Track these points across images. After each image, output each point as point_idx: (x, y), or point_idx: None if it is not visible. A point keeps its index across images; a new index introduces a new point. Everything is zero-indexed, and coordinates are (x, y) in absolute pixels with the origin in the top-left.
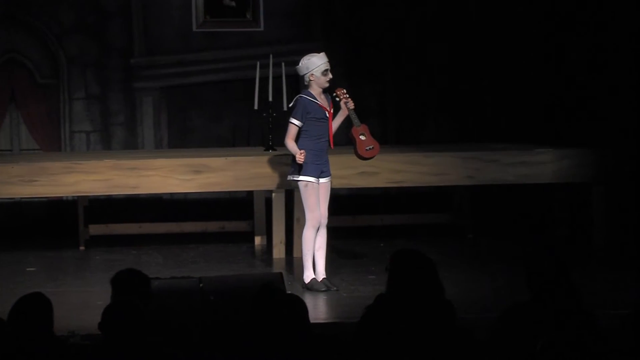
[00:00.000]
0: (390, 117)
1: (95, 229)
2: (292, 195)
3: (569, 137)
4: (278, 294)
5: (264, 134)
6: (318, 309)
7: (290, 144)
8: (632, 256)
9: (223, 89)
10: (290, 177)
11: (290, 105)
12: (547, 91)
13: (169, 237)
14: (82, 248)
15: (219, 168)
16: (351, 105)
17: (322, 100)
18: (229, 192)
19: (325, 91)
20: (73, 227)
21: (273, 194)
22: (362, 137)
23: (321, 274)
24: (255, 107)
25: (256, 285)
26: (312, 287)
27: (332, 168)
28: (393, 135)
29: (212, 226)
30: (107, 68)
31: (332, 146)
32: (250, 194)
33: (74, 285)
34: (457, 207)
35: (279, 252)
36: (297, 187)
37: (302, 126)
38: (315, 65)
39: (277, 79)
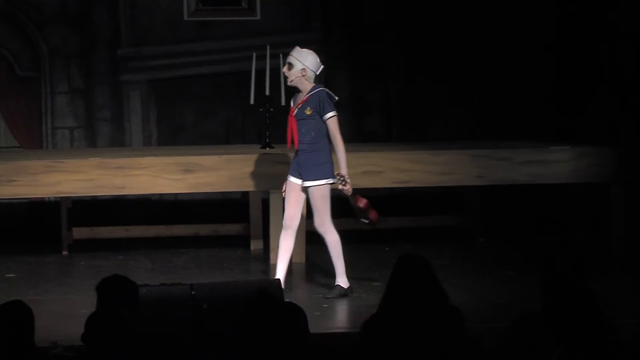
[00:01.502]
0: (394, 113)
1: (79, 233)
2: None
3: (586, 134)
4: (275, 302)
5: (260, 130)
6: (318, 318)
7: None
8: None
9: (216, 82)
10: (317, 182)
11: (311, 105)
12: (562, 85)
13: (158, 241)
14: (64, 253)
15: (212, 167)
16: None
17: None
18: (223, 193)
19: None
20: (55, 231)
21: (270, 195)
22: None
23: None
24: (251, 101)
25: (252, 293)
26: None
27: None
28: (397, 132)
29: (205, 229)
30: (91, 60)
31: (295, 146)
32: (245, 194)
33: (56, 292)
34: (467, 208)
35: (276, 257)
36: (320, 191)
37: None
38: (314, 61)
39: (274, 71)
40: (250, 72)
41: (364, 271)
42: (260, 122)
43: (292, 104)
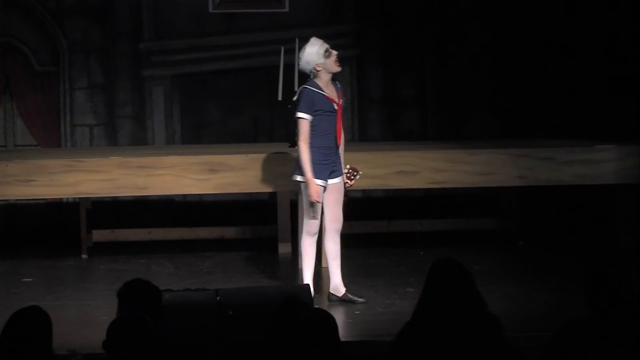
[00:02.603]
0: (431, 110)
1: (99, 235)
2: None
3: (634, 131)
4: (305, 308)
5: (288, 128)
6: (350, 326)
7: (305, 153)
8: None
9: (243, 77)
10: (294, 177)
11: (294, 98)
12: (608, 79)
13: (181, 244)
14: (84, 256)
15: (238, 166)
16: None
17: (329, 92)
18: (250, 194)
19: (334, 80)
20: (74, 233)
21: (299, 196)
22: None
23: (341, 288)
24: (279, 97)
25: (280, 299)
26: None
27: (365, 167)
28: (434, 129)
29: (231, 232)
30: (112, 54)
31: (339, 143)
32: (273, 195)
33: (75, 298)
34: (506, 211)
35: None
36: (300, 189)
37: (312, 119)
38: (313, 54)
39: None
40: (278, 66)
41: (397, 276)
42: (288, 120)
43: (322, 99)
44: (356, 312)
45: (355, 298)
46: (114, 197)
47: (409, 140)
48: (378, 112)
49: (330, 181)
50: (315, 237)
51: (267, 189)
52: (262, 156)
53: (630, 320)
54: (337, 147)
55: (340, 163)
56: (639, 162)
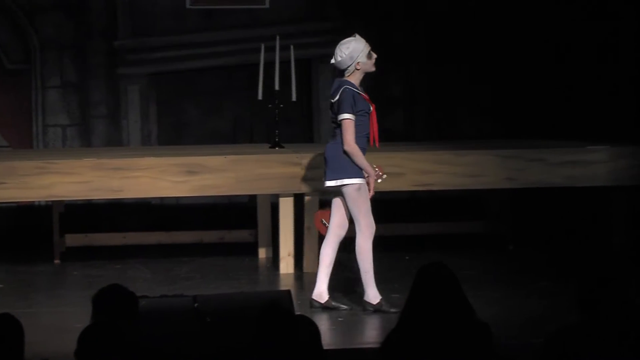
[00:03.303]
0: (418, 109)
1: (73, 240)
2: (302, 200)
3: (626, 132)
4: (286, 315)
5: (269, 128)
6: (333, 333)
7: (359, 151)
8: None
9: (222, 76)
10: (333, 183)
11: (336, 99)
12: (599, 79)
13: (158, 249)
14: (57, 262)
15: (217, 168)
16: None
17: (363, 92)
18: (229, 197)
19: (361, 83)
20: (47, 237)
21: (280, 199)
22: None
23: (325, 295)
24: (260, 97)
25: (260, 305)
26: (382, 307)
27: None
28: (421, 129)
29: (209, 236)
30: (86, 51)
31: (377, 144)
32: (253, 198)
33: (48, 305)
34: (496, 213)
35: (286, 266)
36: (343, 194)
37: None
38: (358, 51)
39: (284, 64)
40: (258, 65)
41: (382, 282)
42: (269, 120)
43: (361, 99)
44: (339, 319)
45: (339, 305)
46: (88, 200)
47: (394, 140)
48: None
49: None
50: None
51: (247, 191)
52: (242, 157)
53: (624, 325)
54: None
55: None
56: (633, 164)
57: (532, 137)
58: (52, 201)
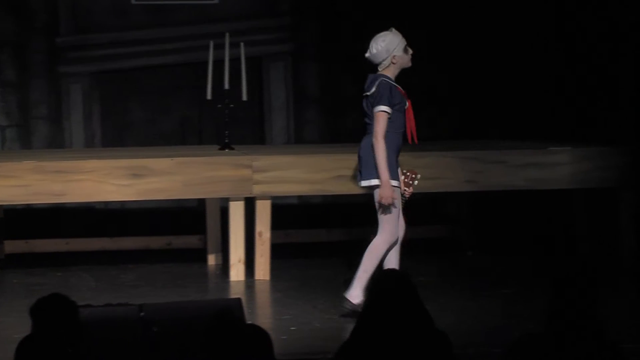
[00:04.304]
0: None
1: (12, 246)
2: (252, 205)
3: (590, 133)
4: (236, 324)
5: (219, 129)
6: (285, 343)
7: (384, 151)
8: None
9: (169, 74)
10: (365, 183)
11: (372, 91)
12: (562, 78)
13: (102, 256)
14: None
15: (164, 171)
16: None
17: (399, 85)
18: (177, 201)
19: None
20: None
21: (230, 203)
22: None
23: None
24: (209, 96)
25: (210, 314)
26: (359, 310)
27: (302, 171)
28: None
29: (156, 242)
30: (26, 49)
31: (415, 140)
32: (202, 202)
33: None
34: (455, 218)
35: (237, 273)
36: (373, 194)
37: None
38: (395, 44)
39: (234, 62)
40: (207, 63)
41: (337, 289)
42: (218, 120)
43: (398, 93)
44: (292, 329)
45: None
46: (28, 205)
47: (349, 142)
48: (316, 112)
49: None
50: (392, 247)
51: (195, 195)
52: (190, 160)
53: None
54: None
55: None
56: (597, 165)
57: (493, 137)
58: None
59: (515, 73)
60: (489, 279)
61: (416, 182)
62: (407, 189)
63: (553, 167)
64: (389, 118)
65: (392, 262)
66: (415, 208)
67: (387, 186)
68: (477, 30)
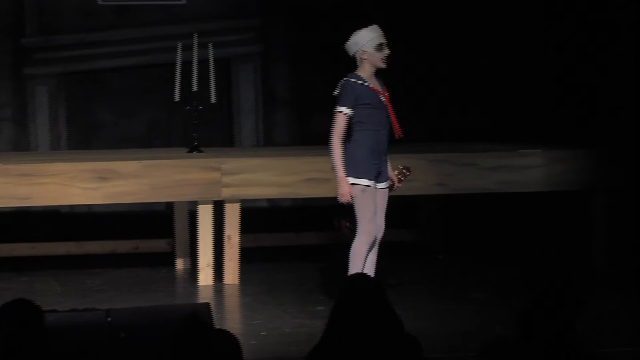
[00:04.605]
0: None
1: None
2: (221, 208)
3: (562, 135)
4: (205, 329)
5: (187, 131)
6: (254, 348)
7: (338, 149)
8: None
9: (136, 76)
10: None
11: (336, 92)
12: (534, 80)
13: (68, 260)
14: None
15: (131, 174)
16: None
17: (373, 83)
18: (144, 204)
19: (377, 74)
20: None
21: (198, 206)
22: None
23: None
24: (176, 98)
25: (178, 319)
26: None
27: (272, 174)
28: None
29: (123, 246)
30: None
31: (400, 134)
32: (170, 206)
33: None
34: (425, 221)
35: (205, 277)
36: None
37: (353, 116)
38: (365, 40)
39: (203, 63)
40: (175, 64)
41: (306, 293)
42: (187, 122)
43: (366, 90)
44: (262, 333)
45: None
46: None
47: (319, 144)
48: (285, 114)
49: (378, 185)
50: (371, 247)
51: (163, 198)
52: (157, 163)
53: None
54: (384, 149)
55: (386, 167)
56: (569, 168)
57: (464, 139)
58: None
59: (486, 74)
60: (460, 283)
61: (408, 178)
62: (397, 184)
63: (525, 170)
64: (352, 118)
65: (368, 265)
66: (386, 211)
67: (341, 183)
68: (449, 31)
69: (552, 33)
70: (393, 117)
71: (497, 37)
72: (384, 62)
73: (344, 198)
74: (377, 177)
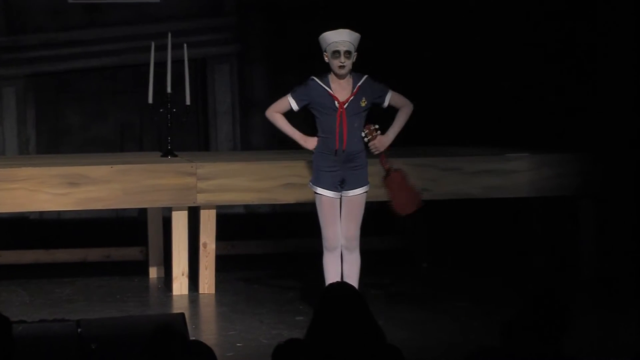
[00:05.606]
0: None
1: None
2: (196, 214)
3: (548, 139)
4: (179, 340)
5: (161, 135)
6: (230, 359)
7: (276, 116)
8: (628, 289)
9: (108, 77)
10: (309, 185)
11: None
12: (519, 84)
13: (37, 269)
14: None
15: (103, 179)
16: (377, 149)
17: (337, 87)
18: (116, 211)
19: (359, 73)
20: None
21: (173, 213)
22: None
23: None
24: (150, 100)
25: (151, 330)
26: None
27: (249, 179)
28: None
29: (94, 254)
30: None
31: (343, 146)
32: (143, 212)
33: None
34: (408, 228)
35: (180, 287)
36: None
37: (297, 110)
38: (326, 43)
39: (177, 64)
40: (148, 65)
41: (285, 303)
42: (160, 125)
43: (321, 92)
44: (238, 345)
45: None
46: None
47: (298, 149)
48: (263, 117)
49: (344, 193)
50: (337, 253)
51: (136, 204)
52: (130, 167)
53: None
54: (347, 156)
55: (359, 174)
56: (556, 173)
57: (448, 143)
58: None
59: (470, 79)
60: (444, 292)
61: (378, 133)
62: (373, 147)
63: (510, 174)
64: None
65: (347, 274)
66: (367, 218)
67: (300, 140)
68: (434, 33)
69: (538, 37)
70: (344, 126)
71: (483, 40)
72: (341, 68)
73: (309, 146)
74: (342, 184)
